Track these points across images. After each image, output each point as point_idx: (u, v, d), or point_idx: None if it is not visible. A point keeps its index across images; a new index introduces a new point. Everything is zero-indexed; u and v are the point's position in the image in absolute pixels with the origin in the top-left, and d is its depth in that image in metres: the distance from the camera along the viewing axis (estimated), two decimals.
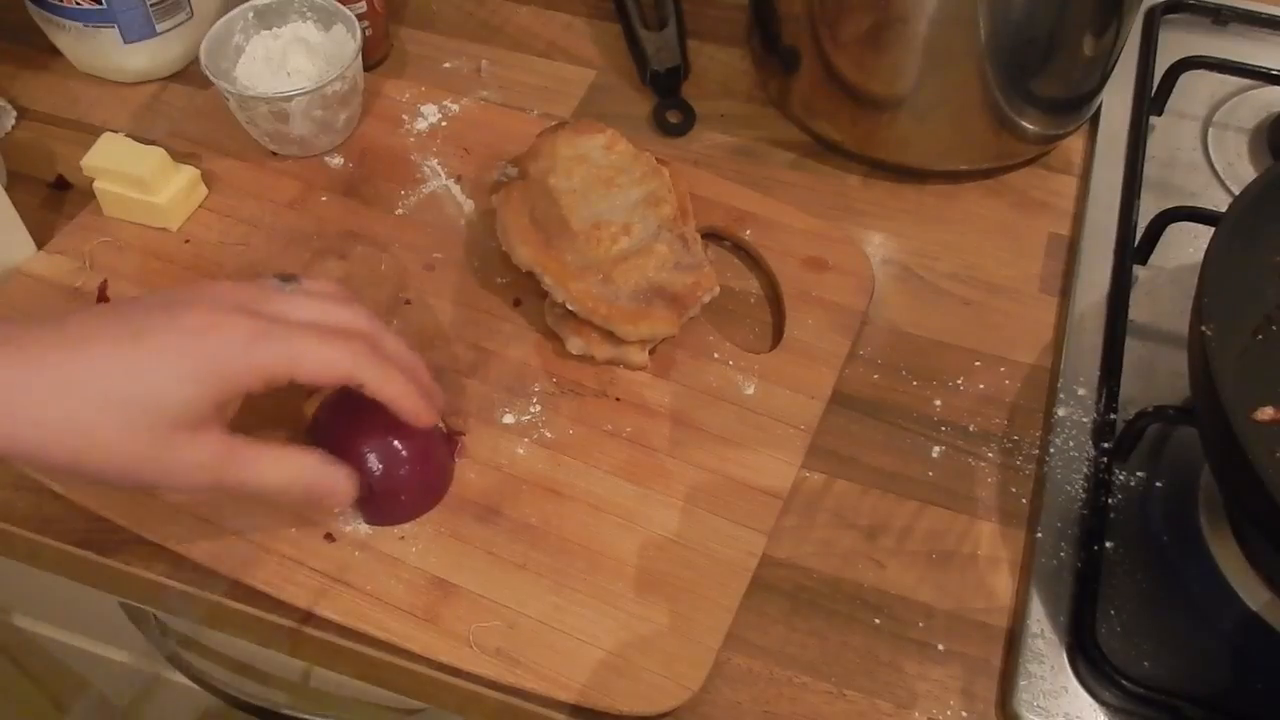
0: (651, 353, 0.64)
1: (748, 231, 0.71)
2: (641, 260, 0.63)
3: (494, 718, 0.56)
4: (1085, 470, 0.62)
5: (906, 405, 0.65)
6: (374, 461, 0.56)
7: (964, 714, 0.55)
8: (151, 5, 0.76)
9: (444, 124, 0.77)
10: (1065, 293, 0.70)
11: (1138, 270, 0.70)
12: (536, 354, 0.65)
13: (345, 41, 0.73)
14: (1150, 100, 0.79)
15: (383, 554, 0.57)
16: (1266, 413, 0.59)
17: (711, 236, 0.71)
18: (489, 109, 0.78)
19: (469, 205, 0.72)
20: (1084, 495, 0.61)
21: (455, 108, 0.78)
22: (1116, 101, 0.80)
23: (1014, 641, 0.56)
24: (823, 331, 0.67)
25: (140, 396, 0.47)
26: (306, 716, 0.75)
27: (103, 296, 0.66)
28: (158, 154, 0.68)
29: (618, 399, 0.63)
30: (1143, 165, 0.75)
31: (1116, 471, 0.61)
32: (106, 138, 0.69)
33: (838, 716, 0.55)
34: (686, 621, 0.55)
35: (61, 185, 0.74)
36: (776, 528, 0.59)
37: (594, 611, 0.55)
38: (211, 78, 0.70)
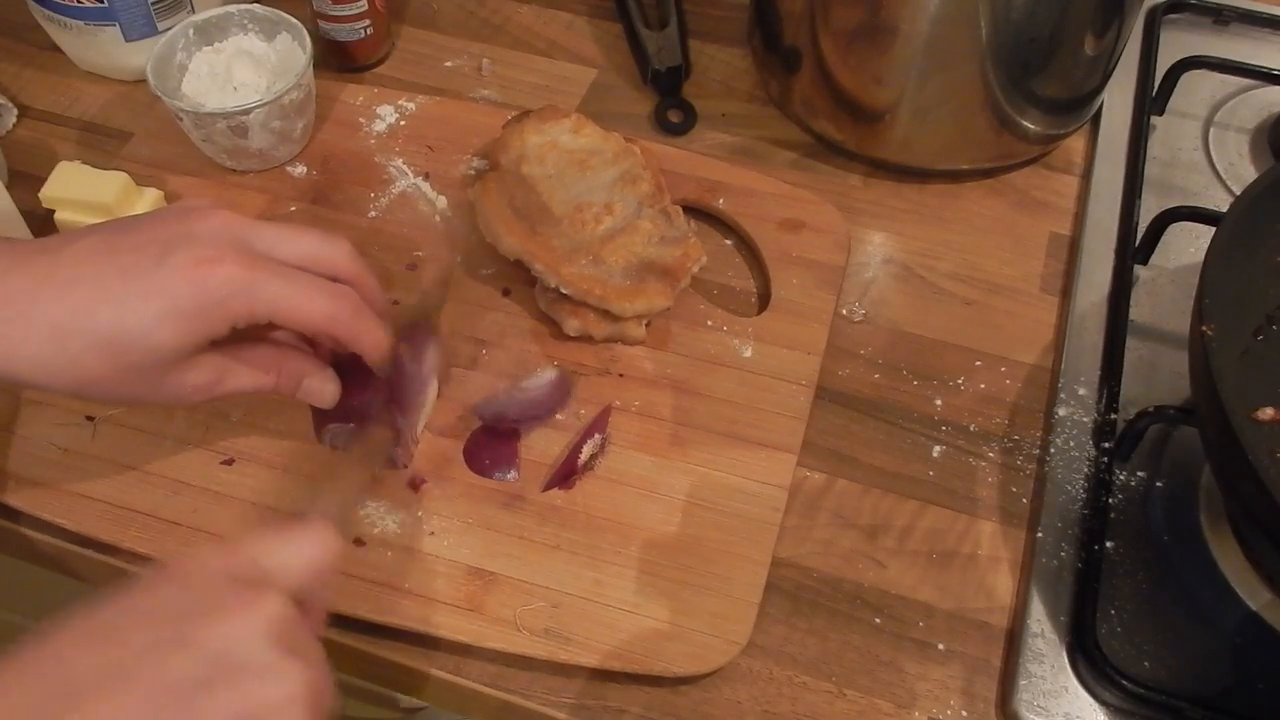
0: (647, 327, 0.65)
1: (721, 201, 0.72)
2: (627, 238, 0.64)
3: (494, 716, 0.56)
4: (1086, 470, 0.62)
5: (907, 405, 0.65)
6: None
7: (964, 714, 0.55)
8: (153, 4, 0.76)
9: (402, 123, 0.76)
10: (1066, 292, 0.70)
11: (1138, 270, 0.70)
12: (534, 340, 0.65)
13: (293, 50, 0.73)
14: (1151, 100, 0.79)
15: (415, 551, 0.57)
16: (1267, 413, 0.59)
17: (686, 210, 0.71)
18: (444, 104, 0.78)
19: (441, 201, 0.72)
20: (1084, 495, 0.61)
21: (411, 106, 0.77)
22: (1118, 101, 0.80)
23: (1014, 641, 0.57)
24: (808, 289, 0.68)
25: (128, 338, 0.49)
26: None
27: None
28: (120, 178, 0.67)
29: (621, 375, 0.64)
30: (1144, 165, 0.75)
31: (1117, 471, 0.61)
32: (63, 166, 0.67)
33: (838, 716, 0.55)
34: (724, 580, 0.56)
35: None
36: (780, 523, 0.59)
37: (633, 582, 0.56)
38: (164, 98, 0.69)
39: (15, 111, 0.78)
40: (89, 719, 0.37)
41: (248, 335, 0.54)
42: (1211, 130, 0.79)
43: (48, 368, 0.49)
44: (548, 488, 0.59)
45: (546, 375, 0.62)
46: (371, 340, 0.55)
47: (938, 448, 0.64)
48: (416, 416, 0.60)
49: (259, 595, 0.40)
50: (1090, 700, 0.54)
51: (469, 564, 0.57)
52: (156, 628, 0.39)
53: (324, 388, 0.56)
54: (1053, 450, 0.63)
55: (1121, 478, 0.61)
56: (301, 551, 0.44)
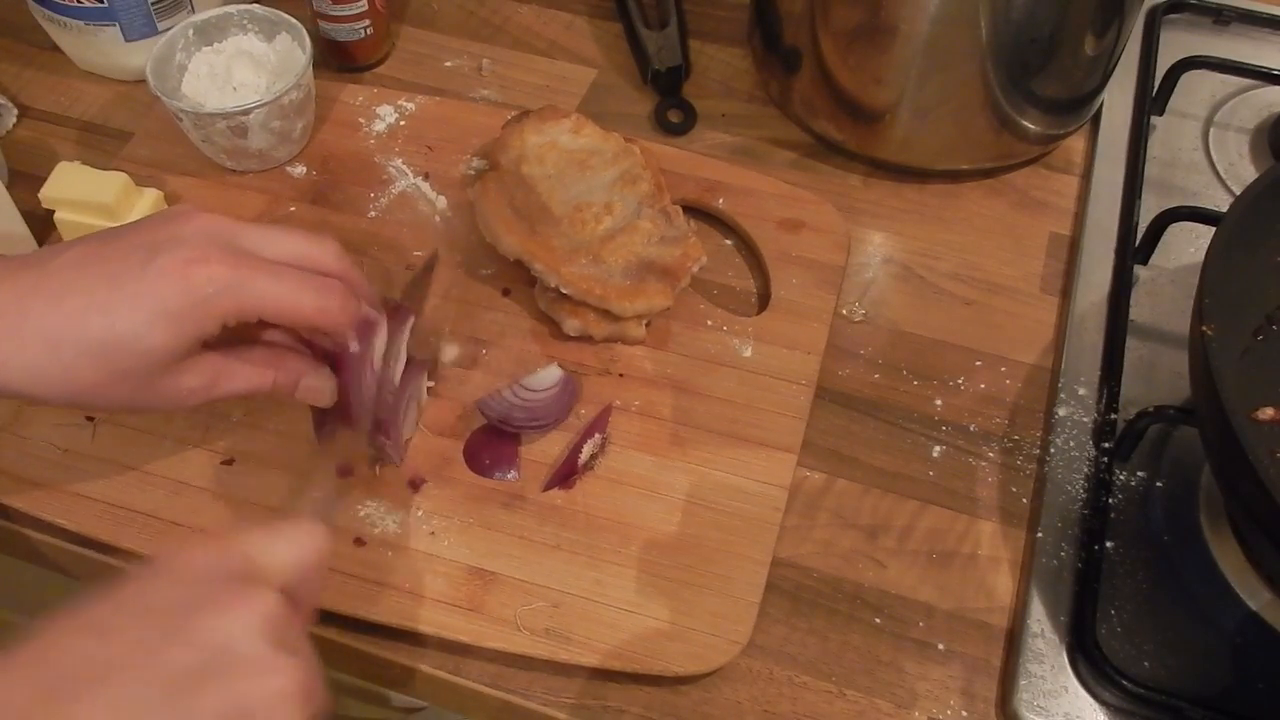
0: (647, 326, 0.65)
1: (720, 201, 0.72)
2: (627, 238, 0.64)
3: (494, 716, 0.56)
4: (1086, 470, 0.62)
5: (907, 405, 0.65)
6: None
7: (964, 714, 0.55)
8: (153, 4, 0.76)
9: (402, 124, 0.76)
10: (1066, 292, 0.70)
11: (1138, 270, 0.70)
12: (535, 340, 0.66)
13: (292, 50, 0.73)
14: (1151, 100, 0.79)
15: (415, 551, 0.57)
16: (1267, 413, 0.59)
17: (686, 210, 0.71)
18: (443, 104, 0.77)
19: (441, 201, 0.72)
20: (1084, 495, 0.61)
21: (411, 106, 0.77)
22: (1118, 101, 0.80)
23: (1014, 641, 0.57)
24: (808, 289, 0.68)
25: (120, 343, 0.49)
26: None
27: None
28: (120, 179, 0.66)
29: (621, 375, 0.64)
30: (1144, 165, 0.75)
31: (1117, 471, 0.61)
32: (63, 167, 0.67)
33: (838, 716, 0.55)
34: (724, 580, 0.56)
35: None
36: (780, 522, 0.59)
37: (634, 581, 0.56)
38: (164, 99, 0.69)
39: (15, 111, 0.78)
40: (86, 710, 0.37)
41: (242, 337, 0.54)
42: (1211, 130, 0.79)
43: (42, 378, 0.49)
44: (548, 487, 0.59)
45: (552, 375, 0.62)
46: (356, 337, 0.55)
47: (938, 448, 0.64)
48: (397, 408, 0.59)
49: (253, 591, 0.41)
50: (1090, 700, 0.54)
51: (469, 564, 0.57)
52: (152, 621, 0.39)
53: (322, 386, 0.56)
54: (1053, 450, 0.63)
55: (1121, 478, 0.61)
56: (291, 548, 0.44)
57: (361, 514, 0.58)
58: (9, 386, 0.49)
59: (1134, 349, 0.66)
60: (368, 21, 0.79)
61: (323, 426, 0.58)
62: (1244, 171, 0.77)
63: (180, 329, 0.49)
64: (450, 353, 0.63)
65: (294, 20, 0.73)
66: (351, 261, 0.56)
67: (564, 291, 0.62)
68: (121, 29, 0.76)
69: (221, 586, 0.41)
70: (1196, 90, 0.81)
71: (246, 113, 0.69)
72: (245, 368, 0.53)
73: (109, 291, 0.49)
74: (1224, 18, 0.85)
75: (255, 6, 0.74)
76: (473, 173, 0.71)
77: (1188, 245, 0.72)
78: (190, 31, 0.73)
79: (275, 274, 0.51)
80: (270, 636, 0.40)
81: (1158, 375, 0.66)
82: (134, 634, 0.39)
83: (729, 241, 0.72)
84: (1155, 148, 0.78)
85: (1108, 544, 0.58)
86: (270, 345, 0.55)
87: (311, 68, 0.71)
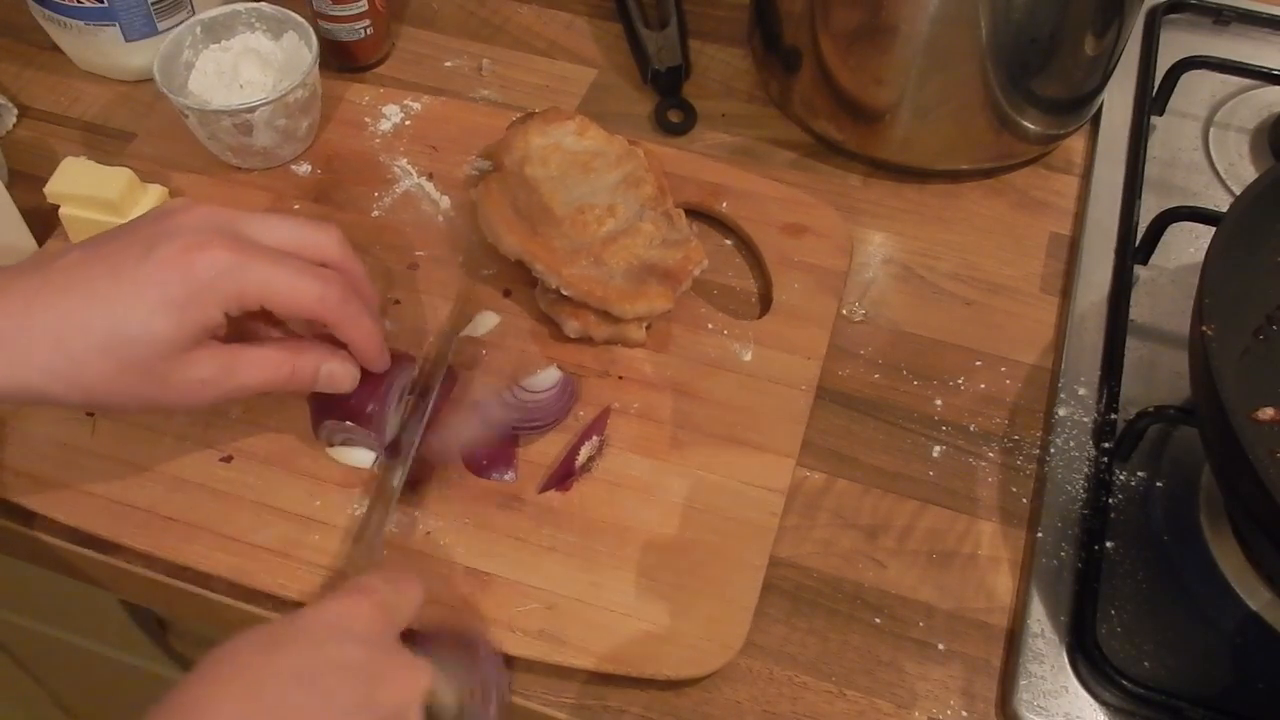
0: (647, 329, 0.65)
1: (724, 204, 0.71)
2: (629, 240, 0.64)
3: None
4: (1086, 470, 0.62)
5: (907, 405, 0.65)
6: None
7: (964, 714, 0.55)
8: (153, 4, 0.76)
9: (408, 123, 0.76)
10: (1066, 292, 0.70)
11: (1139, 270, 0.70)
12: (534, 341, 0.66)
13: (299, 48, 0.73)
14: (1151, 100, 0.79)
15: (411, 550, 0.57)
16: (1267, 413, 0.59)
17: (689, 213, 0.71)
18: (449, 105, 0.78)
19: (445, 201, 0.72)
20: (1084, 495, 0.61)
21: (416, 106, 0.77)
22: (1118, 101, 0.80)
23: (1014, 641, 0.57)
24: (810, 293, 0.68)
25: (124, 333, 0.49)
26: None
27: None
28: (125, 174, 0.66)
29: (620, 377, 0.64)
30: (1144, 165, 0.75)
31: (1117, 471, 0.61)
32: (69, 162, 0.67)
33: (838, 716, 0.55)
34: (720, 584, 0.56)
35: None
36: (777, 527, 0.59)
37: (629, 584, 0.56)
38: (170, 96, 0.69)
39: (15, 111, 0.78)
40: None
41: (253, 336, 0.54)
42: (1211, 130, 0.79)
43: (54, 377, 0.49)
44: (545, 489, 0.59)
45: (552, 376, 0.62)
46: (361, 327, 0.54)
47: (938, 448, 0.64)
48: (414, 434, 0.60)
49: (417, 672, 0.47)
50: (1090, 700, 0.54)
51: (465, 564, 0.57)
52: (347, 682, 0.44)
53: (344, 370, 0.55)
54: (1053, 450, 0.63)
55: (1121, 478, 0.61)
56: (411, 607, 0.50)
57: (357, 514, 0.58)
58: (25, 389, 0.49)
59: (1134, 349, 0.66)
60: (368, 21, 0.79)
61: (320, 424, 0.59)
62: (1244, 171, 0.77)
63: (183, 316, 0.49)
64: (489, 321, 0.65)
65: (301, 19, 0.73)
66: (353, 251, 0.55)
67: (565, 293, 0.62)
68: (121, 29, 0.76)
69: (398, 661, 0.47)
70: (1196, 90, 0.81)
71: (252, 110, 0.69)
72: (261, 356, 0.53)
73: (111, 284, 0.49)
74: (1224, 18, 0.85)
75: (263, 5, 0.74)
76: (476, 173, 0.71)
77: (1188, 245, 0.72)
78: (197, 29, 0.73)
79: (276, 260, 0.51)
80: (421, 711, 0.46)
81: (1158, 375, 0.66)
82: (333, 692, 0.44)
83: (729, 242, 0.72)
84: (1155, 148, 0.78)
85: (1108, 544, 0.58)
86: (283, 339, 0.55)
87: (318, 65, 0.71)
